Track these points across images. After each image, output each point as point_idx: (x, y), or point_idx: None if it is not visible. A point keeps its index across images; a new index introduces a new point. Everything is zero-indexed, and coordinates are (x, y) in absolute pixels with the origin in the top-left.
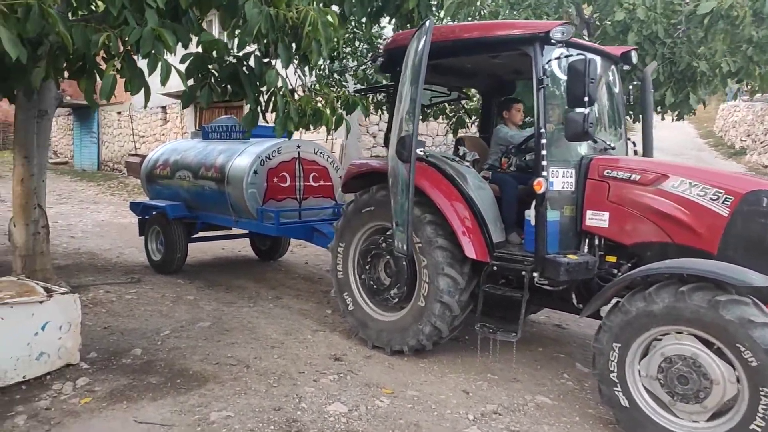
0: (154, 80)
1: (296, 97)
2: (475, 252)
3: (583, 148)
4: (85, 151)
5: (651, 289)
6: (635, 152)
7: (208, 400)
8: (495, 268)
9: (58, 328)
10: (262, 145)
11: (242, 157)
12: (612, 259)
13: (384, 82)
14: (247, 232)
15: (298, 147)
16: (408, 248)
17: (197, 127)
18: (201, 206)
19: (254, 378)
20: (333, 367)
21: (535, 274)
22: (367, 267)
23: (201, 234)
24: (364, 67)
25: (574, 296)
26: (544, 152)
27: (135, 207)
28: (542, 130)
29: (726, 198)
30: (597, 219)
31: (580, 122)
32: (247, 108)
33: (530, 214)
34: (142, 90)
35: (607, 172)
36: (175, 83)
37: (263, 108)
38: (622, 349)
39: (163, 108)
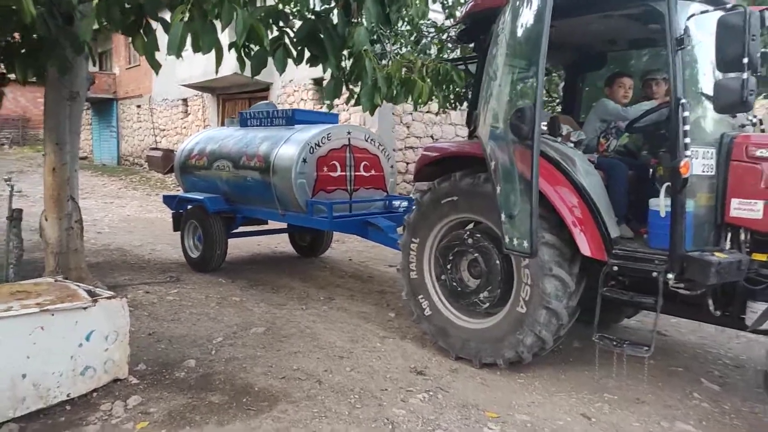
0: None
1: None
2: (591, 249)
3: (722, 125)
4: (104, 145)
5: None
6: (762, 130)
7: (285, 426)
8: (615, 268)
9: (105, 337)
10: (310, 131)
11: (289, 145)
12: (761, 257)
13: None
14: (286, 226)
15: (349, 133)
16: (533, 246)
17: (220, 120)
18: (242, 199)
19: (331, 396)
20: (418, 383)
21: (669, 276)
22: (448, 266)
23: (240, 229)
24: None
25: (711, 302)
26: (686, 127)
27: (169, 200)
28: (683, 101)
29: None
30: (746, 209)
31: (737, 90)
32: (275, 94)
33: (657, 203)
34: (211, 53)
35: (761, 152)
36: (198, 73)
37: (346, 76)
38: None
39: (184, 100)
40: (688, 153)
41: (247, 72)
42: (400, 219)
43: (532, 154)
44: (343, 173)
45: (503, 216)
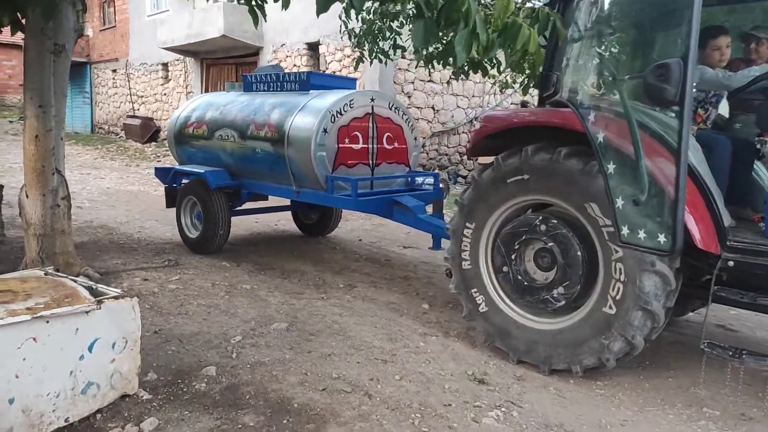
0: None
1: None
2: (702, 239)
3: None
4: (77, 112)
5: None
6: None
7: None
8: (731, 263)
9: (111, 346)
10: (329, 97)
11: (306, 113)
12: None
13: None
14: (289, 203)
15: (373, 100)
16: (675, 241)
17: (203, 87)
18: (249, 173)
19: (387, 416)
20: (483, 396)
21: None
22: (513, 257)
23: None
24: None
25: None
26: None
27: (162, 174)
28: None
29: None
30: None
31: None
32: (264, 59)
33: None
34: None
35: None
36: (180, 35)
37: (436, 17)
38: None
39: (164, 65)
40: None
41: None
42: (427, 197)
43: (679, 122)
44: (366, 146)
45: (618, 202)
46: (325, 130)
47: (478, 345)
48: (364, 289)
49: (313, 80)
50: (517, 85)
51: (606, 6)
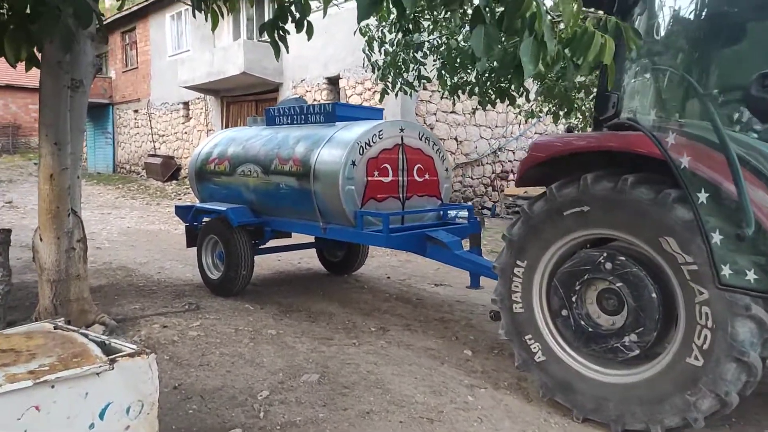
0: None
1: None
2: None
3: None
4: (99, 152)
5: None
6: None
7: None
8: None
9: (125, 411)
10: (357, 128)
11: (333, 145)
12: None
13: None
14: (313, 240)
15: (402, 130)
16: None
17: (224, 125)
18: (272, 209)
19: None
20: None
21: None
22: (573, 299)
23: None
24: None
25: None
26: None
27: (183, 212)
28: None
29: None
30: None
31: None
32: (284, 96)
33: None
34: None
35: None
36: (201, 74)
37: (493, 21)
38: None
39: (185, 104)
40: None
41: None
42: (462, 231)
43: None
44: (396, 178)
45: (714, 237)
46: (353, 163)
47: (535, 399)
48: (398, 333)
49: (339, 111)
50: (543, 114)
51: (677, 17)
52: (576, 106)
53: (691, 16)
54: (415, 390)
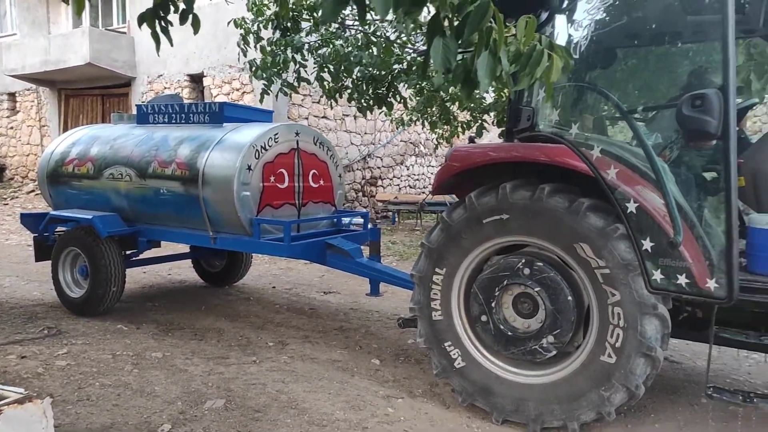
0: None
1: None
2: (702, 278)
3: None
4: None
5: None
6: None
7: None
8: (731, 302)
9: None
10: (250, 130)
11: (224, 148)
12: None
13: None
14: (189, 249)
15: (297, 134)
16: (732, 287)
17: (62, 121)
18: (150, 217)
19: None
20: None
21: None
22: (492, 304)
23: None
24: None
25: None
26: None
27: (32, 221)
28: None
29: None
30: None
31: None
32: (138, 92)
33: (764, 220)
34: None
35: None
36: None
37: (452, 33)
38: None
39: (11, 95)
40: None
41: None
42: (359, 238)
43: (724, 156)
44: (292, 184)
45: (645, 244)
46: (249, 168)
47: (452, 405)
48: (299, 347)
49: (227, 112)
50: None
51: (598, 37)
52: (451, 116)
53: (613, 37)
54: (333, 407)
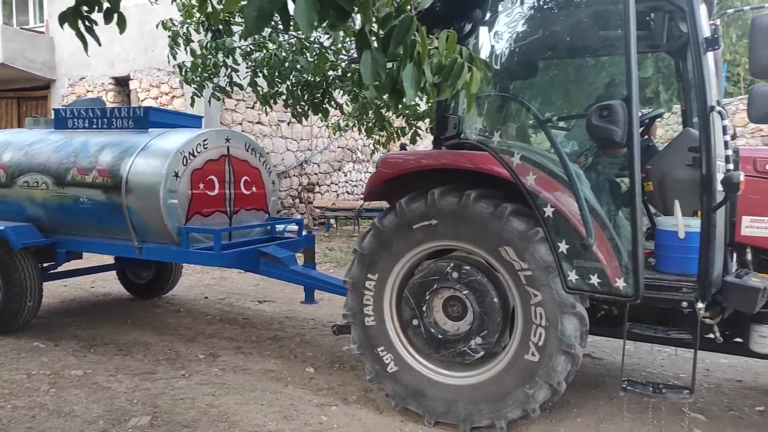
0: None
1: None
2: (616, 278)
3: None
4: None
5: None
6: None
7: None
8: (638, 300)
9: None
10: (177, 136)
11: (149, 154)
12: (764, 275)
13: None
14: (113, 260)
15: (228, 140)
16: (638, 286)
17: None
18: (69, 227)
19: None
20: None
21: (699, 305)
22: (423, 308)
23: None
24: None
25: (717, 329)
26: (727, 137)
27: None
28: (719, 109)
29: None
30: (760, 227)
31: None
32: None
33: (673, 222)
34: None
35: None
36: None
37: (378, 46)
38: None
39: None
40: (730, 166)
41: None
42: (294, 246)
43: (630, 163)
44: (222, 191)
45: (561, 246)
46: (176, 174)
47: (385, 410)
48: (231, 358)
49: (152, 116)
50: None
51: (515, 48)
52: (385, 123)
53: (529, 49)
54: (265, 418)
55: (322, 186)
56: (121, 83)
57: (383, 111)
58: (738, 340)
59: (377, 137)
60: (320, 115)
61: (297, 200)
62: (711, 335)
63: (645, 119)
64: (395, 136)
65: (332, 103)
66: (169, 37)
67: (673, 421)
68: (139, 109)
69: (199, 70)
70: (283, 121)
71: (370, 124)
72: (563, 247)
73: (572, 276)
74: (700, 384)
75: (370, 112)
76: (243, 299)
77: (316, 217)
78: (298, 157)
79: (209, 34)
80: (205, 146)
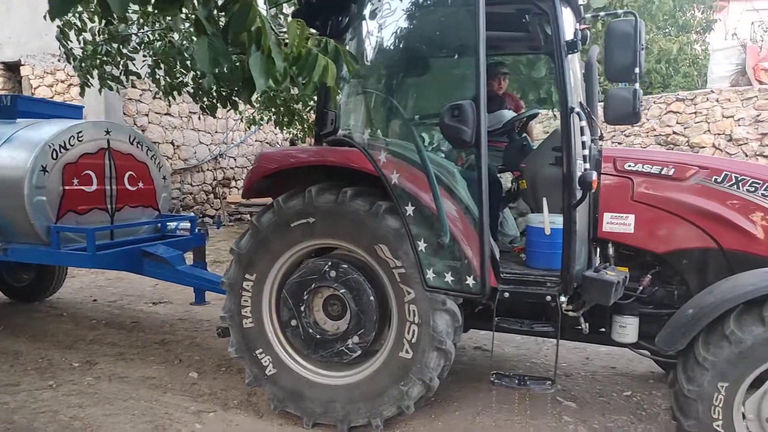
0: None
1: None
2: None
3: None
4: None
5: None
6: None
7: None
8: (506, 294)
9: None
10: (48, 127)
11: (14, 146)
12: (622, 270)
13: None
14: None
15: (108, 132)
16: (485, 283)
17: None
18: None
19: None
20: None
21: (562, 299)
22: (302, 308)
23: None
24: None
25: (583, 321)
26: (584, 138)
27: None
28: (577, 110)
29: None
30: (618, 223)
31: (629, 100)
32: None
33: (540, 219)
34: None
35: (629, 166)
36: None
37: (218, 32)
38: (729, 389)
39: None
40: (587, 165)
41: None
42: (184, 245)
43: (478, 162)
44: (102, 187)
45: (420, 245)
46: (43, 169)
47: (266, 414)
48: (108, 366)
49: (21, 106)
50: (263, 121)
51: (383, 46)
52: (296, 116)
53: (396, 47)
54: (134, 429)
55: (239, 181)
56: (12, 69)
57: (292, 105)
58: (603, 330)
59: (295, 131)
60: (230, 107)
61: (211, 195)
62: (579, 326)
63: (522, 118)
64: (310, 130)
65: (249, 101)
66: (58, 27)
67: (546, 410)
68: (6, 98)
69: (87, 57)
70: (195, 113)
71: (281, 118)
72: (422, 245)
73: (430, 274)
74: (577, 372)
75: (279, 105)
76: (136, 301)
77: (231, 213)
78: (213, 151)
79: (103, 22)
80: (80, 139)
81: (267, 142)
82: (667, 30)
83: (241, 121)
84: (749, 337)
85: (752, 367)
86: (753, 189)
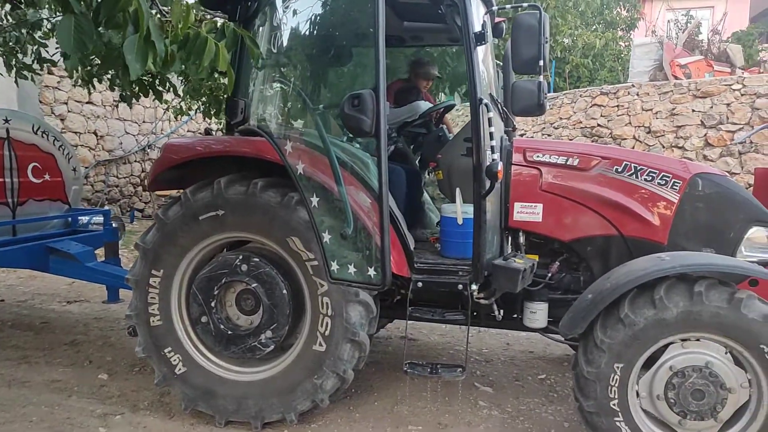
0: None
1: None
2: (397, 264)
3: (497, 129)
4: None
5: (660, 293)
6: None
7: None
8: (420, 284)
9: None
10: None
11: None
12: (533, 258)
13: None
14: None
15: (8, 121)
16: (385, 274)
17: None
18: None
19: None
20: None
21: (473, 287)
22: (213, 303)
23: None
24: None
25: (496, 308)
26: (492, 129)
27: None
28: (485, 101)
29: (674, 182)
30: (528, 212)
31: (534, 92)
32: None
33: (453, 210)
34: None
35: (537, 156)
36: None
37: (87, 12)
38: (624, 369)
39: None
40: (495, 156)
41: None
42: (96, 240)
43: (378, 152)
44: (1, 179)
45: (325, 236)
46: None
47: (177, 414)
48: (9, 370)
49: None
50: (193, 112)
51: (284, 37)
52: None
53: (302, 35)
54: None
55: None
56: None
57: (220, 94)
58: (515, 316)
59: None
60: (154, 96)
61: (140, 188)
62: (494, 313)
63: (438, 109)
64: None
65: (166, 84)
66: None
67: (463, 396)
68: None
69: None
70: (119, 102)
71: (208, 108)
72: (326, 237)
73: (334, 266)
74: (497, 357)
75: (204, 94)
76: (49, 300)
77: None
78: (140, 141)
79: (8, 6)
80: None
81: (200, 133)
82: (594, 27)
83: (168, 110)
84: (641, 320)
85: (644, 348)
86: (650, 178)
